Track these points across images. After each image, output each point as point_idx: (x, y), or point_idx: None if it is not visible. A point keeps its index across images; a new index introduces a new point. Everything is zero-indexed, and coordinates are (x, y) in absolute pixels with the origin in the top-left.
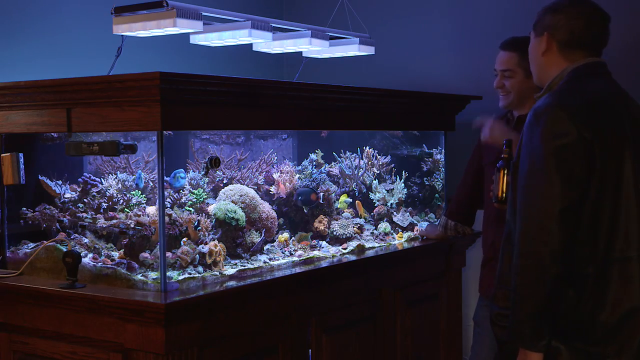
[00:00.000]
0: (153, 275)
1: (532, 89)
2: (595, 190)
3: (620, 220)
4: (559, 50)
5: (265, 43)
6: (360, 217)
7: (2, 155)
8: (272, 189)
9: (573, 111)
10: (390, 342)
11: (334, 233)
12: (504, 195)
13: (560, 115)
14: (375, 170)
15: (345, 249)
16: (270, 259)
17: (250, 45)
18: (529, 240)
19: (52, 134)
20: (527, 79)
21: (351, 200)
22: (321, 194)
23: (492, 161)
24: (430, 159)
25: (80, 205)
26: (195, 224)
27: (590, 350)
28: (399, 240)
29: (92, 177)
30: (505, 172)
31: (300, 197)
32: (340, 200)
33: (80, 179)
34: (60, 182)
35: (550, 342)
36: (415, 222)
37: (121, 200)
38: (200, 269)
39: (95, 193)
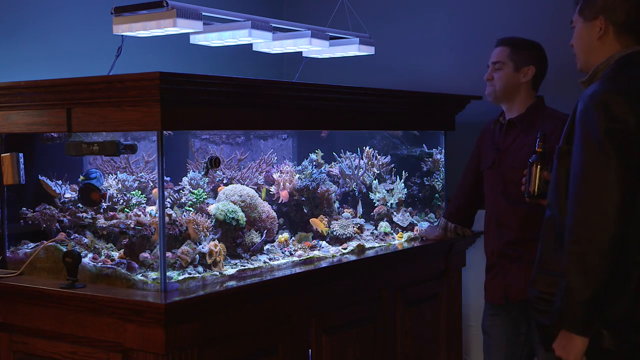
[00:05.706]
0: (153, 275)
1: (519, 85)
2: None
3: None
4: (615, 32)
5: (265, 43)
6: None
7: (2, 155)
8: (272, 189)
9: (631, 98)
10: (390, 342)
11: (334, 233)
12: (537, 190)
13: (618, 100)
14: (375, 170)
15: (345, 249)
16: (270, 259)
17: (250, 45)
18: (587, 227)
19: (52, 134)
20: (515, 72)
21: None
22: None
23: (489, 166)
24: (430, 159)
25: (80, 205)
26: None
27: (633, 338)
28: (399, 240)
29: None
30: (539, 166)
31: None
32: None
33: (80, 179)
34: (60, 182)
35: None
36: (415, 222)
37: (121, 200)
38: (200, 269)
39: None
